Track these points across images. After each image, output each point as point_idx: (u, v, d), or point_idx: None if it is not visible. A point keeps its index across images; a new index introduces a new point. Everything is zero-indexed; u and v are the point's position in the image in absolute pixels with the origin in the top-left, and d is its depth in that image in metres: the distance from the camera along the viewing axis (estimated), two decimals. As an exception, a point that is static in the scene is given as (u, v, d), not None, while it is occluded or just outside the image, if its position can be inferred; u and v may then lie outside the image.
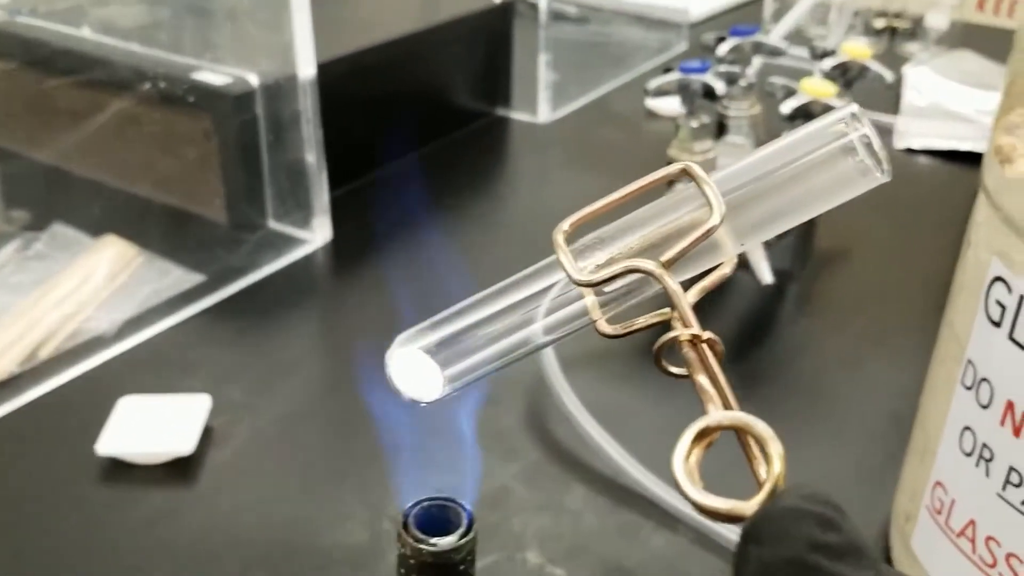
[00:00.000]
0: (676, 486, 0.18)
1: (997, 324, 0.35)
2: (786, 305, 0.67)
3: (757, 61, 0.75)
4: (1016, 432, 0.35)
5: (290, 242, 0.68)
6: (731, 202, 0.21)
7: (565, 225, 0.21)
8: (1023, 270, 0.34)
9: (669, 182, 0.22)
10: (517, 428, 0.51)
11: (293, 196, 0.69)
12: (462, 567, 0.22)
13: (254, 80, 0.66)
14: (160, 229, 0.68)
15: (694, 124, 0.63)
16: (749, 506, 0.18)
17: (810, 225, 0.68)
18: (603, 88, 1.02)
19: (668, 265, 0.21)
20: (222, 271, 0.63)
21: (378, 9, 0.93)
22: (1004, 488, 0.36)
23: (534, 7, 0.93)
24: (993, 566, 0.37)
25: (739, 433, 0.19)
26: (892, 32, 1.26)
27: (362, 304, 0.61)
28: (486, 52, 0.93)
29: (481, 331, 0.22)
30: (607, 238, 0.22)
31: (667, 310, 0.21)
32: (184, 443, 0.47)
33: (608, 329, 0.22)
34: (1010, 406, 0.35)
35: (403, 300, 0.56)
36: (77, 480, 0.46)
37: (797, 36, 1.16)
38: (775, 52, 0.71)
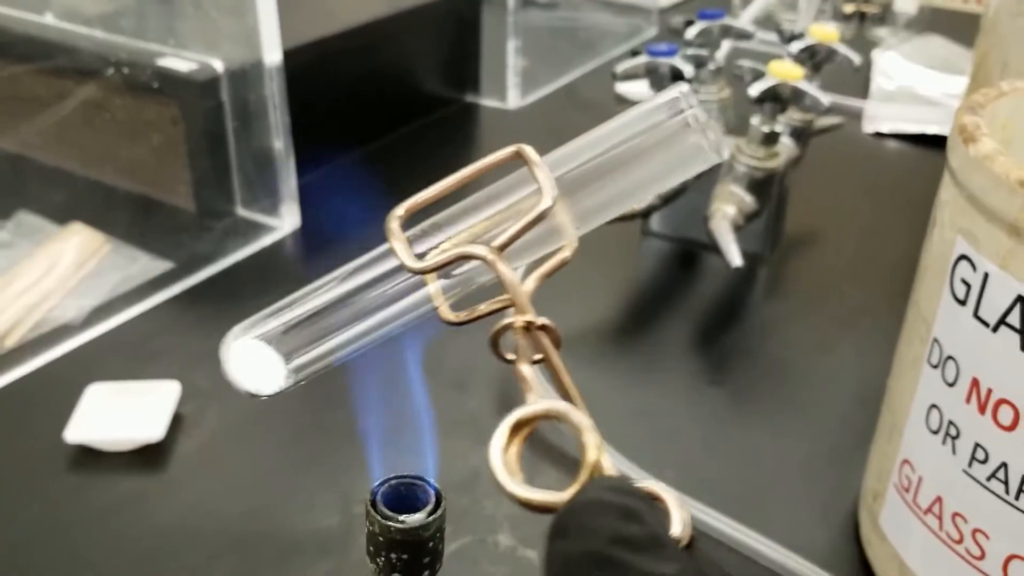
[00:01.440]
0: (493, 479, 0.18)
1: (962, 302, 0.35)
2: (756, 288, 0.67)
3: (726, 45, 0.75)
4: (981, 409, 0.35)
5: (258, 229, 0.68)
6: (567, 184, 0.21)
7: (400, 211, 0.21)
8: (987, 248, 0.34)
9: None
10: (487, 412, 0.51)
11: (261, 183, 0.68)
12: (431, 544, 0.22)
13: (219, 66, 0.65)
14: (127, 216, 0.67)
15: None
16: (563, 498, 0.17)
17: (779, 208, 0.69)
18: (572, 74, 1.02)
19: (502, 249, 0.20)
20: (190, 258, 0.63)
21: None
22: (970, 465, 0.36)
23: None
24: (960, 542, 0.37)
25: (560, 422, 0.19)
26: (861, 17, 1.27)
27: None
28: (454, 38, 0.93)
29: (325, 320, 0.21)
30: (444, 223, 0.22)
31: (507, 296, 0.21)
32: (153, 430, 0.46)
33: (451, 316, 0.22)
34: (975, 383, 0.35)
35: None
36: (44, 468, 0.46)
37: (767, 21, 1.16)
38: (743, 35, 0.71)
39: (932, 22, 1.21)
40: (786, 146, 0.67)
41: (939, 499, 0.38)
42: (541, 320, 0.20)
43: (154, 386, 0.49)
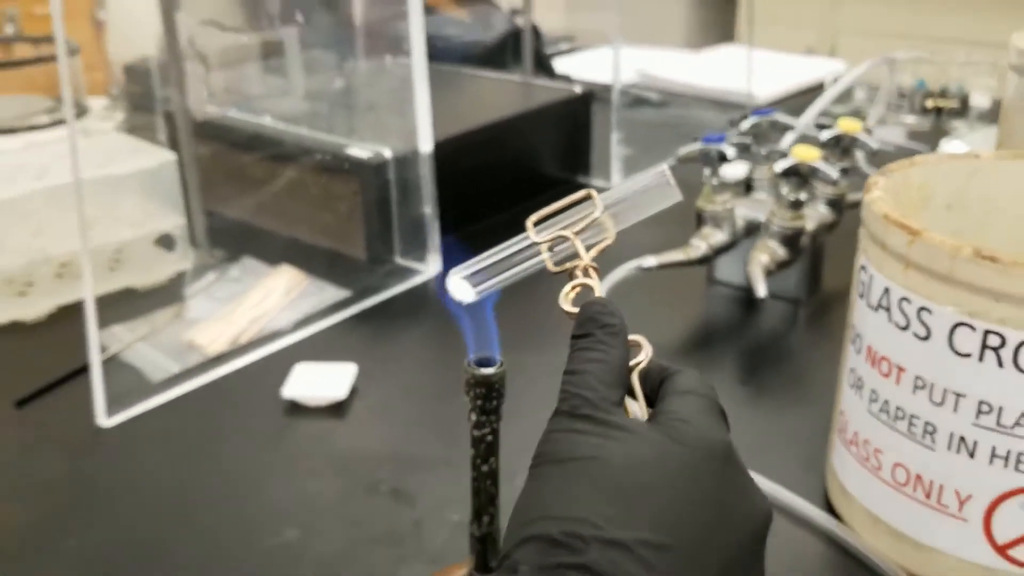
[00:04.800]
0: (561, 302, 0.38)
1: (861, 296, 0.54)
2: (797, 325, 0.85)
3: (784, 135, 0.95)
4: (873, 365, 0.53)
5: (410, 272, 0.91)
6: (611, 206, 0.42)
7: (533, 217, 0.42)
8: (872, 258, 0.53)
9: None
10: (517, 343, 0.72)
11: (414, 239, 0.92)
12: (497, 386, 0.43)
13: (388, 154, 0.89)
14: (319, 261, 0.92)
15: (715, 182, 0.83)
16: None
17: (815, 262, 0.87)
18: (669, 160, 1.23)
19: (577, 235, 0.41)
20: (362, 290, 0.87)
21: (483, 98, 1.17)
22: (870, 405, 0.54)
23: (622, 94, 1.16)
24: (867, 460, 0.55)
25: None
26: (939, 111, 1.44)
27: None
28: (570, 131, 1.16)
29: (494, 267, 0.42)
30: (549, 225, 0.42)
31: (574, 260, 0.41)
32: (339, 391, 0.69)
33: (553, 268, 0.42)
34: (869, 348, 0.54)
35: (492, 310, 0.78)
36: (269, 416, 0.69)
37: (853, 114, 1.34)
38: (786, 127, 0.91)
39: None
40: (821, 213, 0.85)
41: (856, 432, 0.56)
42: (593, 264, 0.41)
43: (340, 366, 0.72)
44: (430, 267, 0.92)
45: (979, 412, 0.48)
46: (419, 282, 0.90)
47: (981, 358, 0.47)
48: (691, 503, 0.29)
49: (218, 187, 0.97)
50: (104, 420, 0.67)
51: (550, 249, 0.42)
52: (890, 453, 0.53)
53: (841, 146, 0.88)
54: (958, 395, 0.49)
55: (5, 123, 1.05)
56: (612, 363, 0.34)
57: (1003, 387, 0.47)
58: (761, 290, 0.76)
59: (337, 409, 0.70)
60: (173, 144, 0.93)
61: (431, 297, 0.89)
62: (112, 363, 0.74)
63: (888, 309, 0.52)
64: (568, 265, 0.42)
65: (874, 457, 0.55)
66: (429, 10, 1.57)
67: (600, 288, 0.40)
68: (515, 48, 1.51)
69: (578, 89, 1.15)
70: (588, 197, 0.42)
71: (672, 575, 0.28)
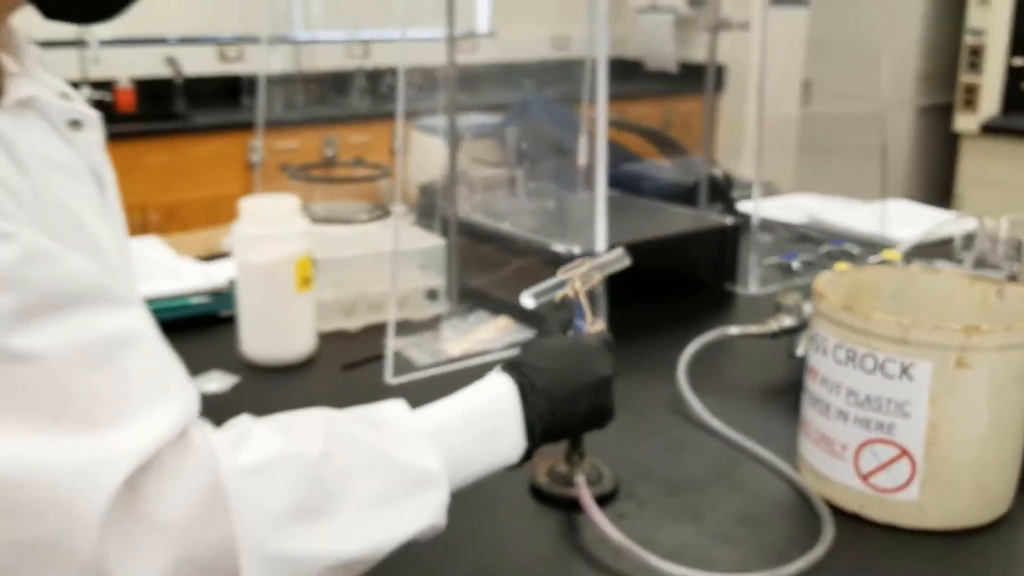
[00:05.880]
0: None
1: (815, 347, 0.95)
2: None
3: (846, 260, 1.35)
4: (810, 377, 0.93)
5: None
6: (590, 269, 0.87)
7: (561, 269, 0.88)
8: (823, 326, 0.95)
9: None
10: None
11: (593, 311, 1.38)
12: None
13: (577, 250, 1.37)
14: (524, 315, 1.40)
15: (787, 284, 1.25)
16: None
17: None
18: (757, 268, 1.63)
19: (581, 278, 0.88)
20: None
21: (658, 221, 1.63)
22: (810, 403, 0.94)
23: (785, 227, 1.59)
24: (809, 436, 0.94)
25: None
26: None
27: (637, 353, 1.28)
28: (721, 247, 1.59)
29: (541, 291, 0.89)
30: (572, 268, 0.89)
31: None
32: (521, 381, 1.16)
33: (571, 292, 0.88)
34: (811, 369, 0.94)
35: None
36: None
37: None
38: (849, 254, 1.31)
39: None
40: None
41: (807, 421, 0.96)
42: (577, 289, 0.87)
43: (525, 369, 1.19)
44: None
45: (848, 395, 0.88)
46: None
47: (853, 366, 0.87)
48: (561, 355, 0.77)
49: (468, 264, 1.48)
50: (390, 379, 1.18)
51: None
52: (813, 425, 0.93)
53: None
54: (838, 385, 0.88)
55: (341, 217, 1.62)
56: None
57: (860, 380, 0.86)
58: (801, 350, 1.16)
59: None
60: (444, 235, 1.45)
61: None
62: (397, 355, 1.25)
63: (820, 348, 0.92)
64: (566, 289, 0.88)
65: (810, 429, 0.94)
66: (637, 158, 2.05)
67: (584, 299, 0.86)
68: (711, 190, 1.95)
69: (729, 221, 1.59)
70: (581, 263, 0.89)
71: (545, 384, 0.75)
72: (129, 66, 3.56)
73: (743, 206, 2.10)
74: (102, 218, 0.68)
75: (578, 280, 0.94)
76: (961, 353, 0.81)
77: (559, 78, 2.27)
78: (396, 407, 0.71)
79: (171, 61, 3.61)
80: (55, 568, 0.53)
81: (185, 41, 3.71)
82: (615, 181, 1.81)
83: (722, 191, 1.97)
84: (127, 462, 0.53)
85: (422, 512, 0.66)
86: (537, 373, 0.78)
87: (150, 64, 3.62)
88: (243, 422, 0.63)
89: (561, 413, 0.78)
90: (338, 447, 0.64)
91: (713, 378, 1.19)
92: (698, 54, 4.75)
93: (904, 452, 0.85)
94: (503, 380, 0.78)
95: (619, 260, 0.98)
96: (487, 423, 0.74)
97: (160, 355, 0.60)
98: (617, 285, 1.37)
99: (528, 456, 0.77)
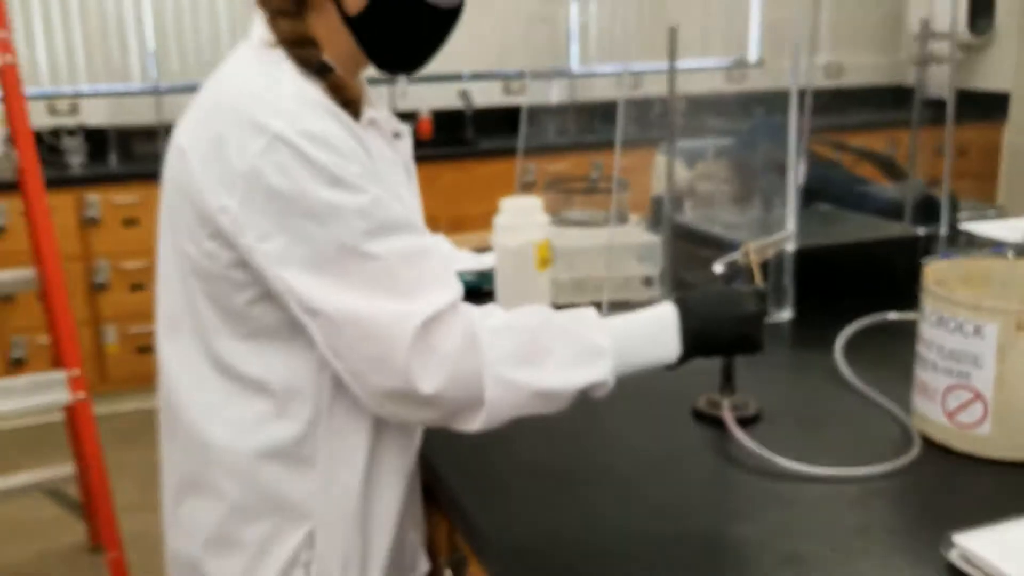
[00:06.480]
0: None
1: (924, 319, 1.21)
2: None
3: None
4: (922, 346, 1.19)
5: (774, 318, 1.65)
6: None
7: (749, 245, 1.18)
8: (932, 303, 1.21)
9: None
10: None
11: (780, 300, 1.66)
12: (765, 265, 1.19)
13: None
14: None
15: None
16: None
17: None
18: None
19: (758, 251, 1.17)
20: (740, 316, 1.64)
21: (852, 230, 1.87)
22: (920, 364, 1.19)
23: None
24: (914, 389, 1.20)
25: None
26: None
27: (794, 340, 1.56)
28: (910, 258, 1.81)
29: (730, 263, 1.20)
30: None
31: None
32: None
33: (746, 257, 1.19)
34: (922, 338, 1.20)
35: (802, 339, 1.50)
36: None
37: None
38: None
39: None
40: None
41: (916, 375, 1.21)
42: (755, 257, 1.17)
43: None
44: (784, 315, 1.65)
45: (938, 350, 1.13)
46: (777, 321, 1.64)
47: (941, 328, 1.13)
48: (715, 293, 1.10)
49: (682, 260, 1.80)
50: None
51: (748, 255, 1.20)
52: (918, 376, 1.18)
53: None
54: (932, 343, 1.14)
55: (584, 221, 2.00)
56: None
57: (946, 338, 1.12)
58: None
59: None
60: (664, 233, 1.79)
61: (781, 330, 1.63)
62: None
63: (924, 317, 1.18)
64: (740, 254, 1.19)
65: (916, 380, 1.19)
66: (863, 181, 2.27)
67: (755, 266, 1.17)
68: (926, 209, 2.14)
69: (920, 232, 1.81)
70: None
71: (698, 308, 1.07)
72: (429, 99, 4.18)
73: (968, 225, 2.26)
74: (409, 193, 1.13)
75: (753, 251, 1.24)
76: (1021, 317, 1.05)
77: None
78: (590, 310, 1.06)
79: (463, 95, 4.19)
80: (383, 372, 0.94)
81: (476, 76, 4.28)
82: (835, 198, 2.06)
83: (935, 210, 2.16)
84: (423, 315, 0.94)
85: (595, 371, 1.00)
86: (694, 301, 1.09)
87: (447, 97, 4.23)
88: (492, 306, 1.02)
89: (710, 331, 1.08)
90: (549, 324, 1.01)
91: (867, 352, 1.44)
92: (977, 81, 4.76)
93: (978, 395, 1.09)
94: (667, 303, 1.09)
95: (786, 240, 1.27)
96: (652, 327, 1.06)
97: (443, 262, 1.00)
98: (809, 279, 1.65)
99: (683, 360, 1.08)
